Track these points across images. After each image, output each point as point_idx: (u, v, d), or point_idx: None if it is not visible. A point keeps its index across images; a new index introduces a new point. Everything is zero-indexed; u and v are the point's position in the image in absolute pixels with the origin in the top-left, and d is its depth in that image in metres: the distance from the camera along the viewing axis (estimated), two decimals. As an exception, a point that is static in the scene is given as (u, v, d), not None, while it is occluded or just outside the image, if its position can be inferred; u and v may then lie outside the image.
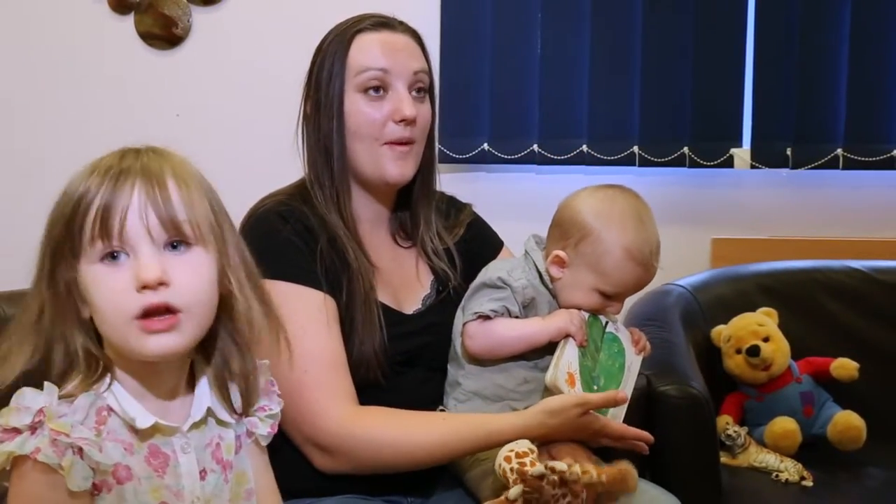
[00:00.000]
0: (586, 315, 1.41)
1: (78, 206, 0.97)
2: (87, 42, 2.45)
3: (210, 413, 1.07)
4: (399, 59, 1.42)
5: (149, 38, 2.43)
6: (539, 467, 1.20)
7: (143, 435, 1.01)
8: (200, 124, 2.43)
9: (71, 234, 0.98)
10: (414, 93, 1.44)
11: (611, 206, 1.40)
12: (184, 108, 2.46)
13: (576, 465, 1.21)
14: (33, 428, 0.95)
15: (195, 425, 1.06)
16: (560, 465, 1.20)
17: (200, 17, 2.44)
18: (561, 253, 1.41)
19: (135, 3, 2.42)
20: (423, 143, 1.48)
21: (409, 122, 1.42)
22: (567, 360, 1.35)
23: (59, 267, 0.99)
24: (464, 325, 1.41)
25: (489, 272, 1.43)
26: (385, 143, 1.42)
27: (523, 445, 1.27)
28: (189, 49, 2.45)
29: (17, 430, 0.95)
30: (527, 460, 1.23)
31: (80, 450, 0.95)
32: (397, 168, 1.43)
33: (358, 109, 1.42)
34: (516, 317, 1.40)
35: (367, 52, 1.42)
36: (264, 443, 1.15)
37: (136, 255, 0.97)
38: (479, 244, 1.60)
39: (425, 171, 1.51)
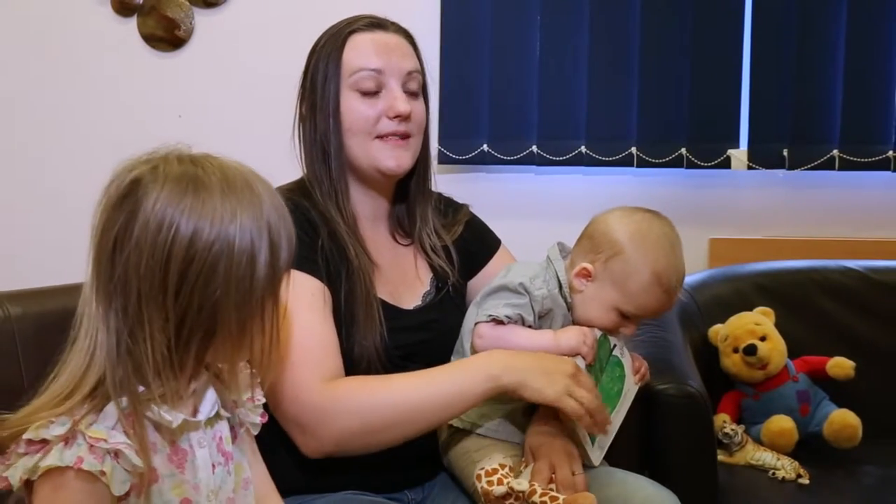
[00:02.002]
0: (598, 334, 1.41)
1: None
2: (91, 44, 2.46)
3: (217, 407, 1.09)
4: (392, 59, 1.44)
5: (152, 40, 2.45)
6: (502, 488, 1.26)
7: (171, 434, 1.03)
8: (202, 125, 2.44)
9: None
10: (407, 91, 1.45)
11: (648, 228, 1.41)
12: (186, 110, 2.47)
13: (539, 487, 1.27)
14: (66, 439, 0.95)
15: (208, 421, 1.07)
16: (521, 486, 1.26)
17: (203, 20, 2.46)
18: (589, 266, 1.41)
19: (138, 5, 2.44)
20: (420, 138, 1.49)
21: (403, 117, 1.43)
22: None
23: None
24: (476, 324, 1.40)
25: (511, 275, 1.43)
26: (377, 137, 1.43)
27: (494, 462, 1.31)
28: (191, 51, 2.46)
29: (45, 442, 0.95)
30: (494, 478, 1.28)
31: (117, 454, 0.96)
32: (393, 159, 1.44)
33: (353, 107, 1.43)
34: (530, 326, 1.40)
35: (360, 52, 1.44)
36: (255, 432, 1.17)
37: None
38: (477, 243, 1.61)
39: (421, 170, 1.52)
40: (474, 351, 1.42)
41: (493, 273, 1.54)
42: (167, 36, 2.45)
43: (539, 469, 1.32)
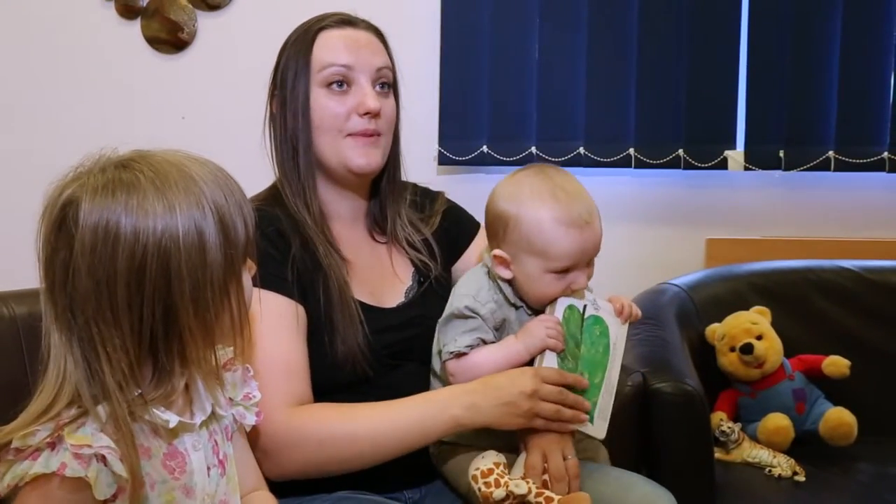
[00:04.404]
0: (560, 317, 1.35)
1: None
2: (95, 46, 2.48)
3: (213, 408, 1.09)
4: (362, 55, 1.43)
5: (155, 42, 2.47)
6: (501, 491, 1.24)
7: (167, 436, 1.02)
8: (205, 127, 2.46)
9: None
10: (378, 87, 1.44)
11: (519, 187, 1.36)
12: (189, 111, 2.48)
13: (533, 487, 1.25)
14: (52, 444, 0.93)
15: (205, 422, 1.08)
16: (520, 489, 1.24)
17: (206, 22, 2.48)
18: (498, 252, 1.36)
19: (142, 8, 2.45)
20: (390, 136, 1.48)
21: (373, 114, 1.42)
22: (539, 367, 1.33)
23: None
24: (443, 363, 1.37)
25: (455, 301, 1.38)
26: (348, 135, 1.42)
27: (489, 462, 1.28)
28: (195, 53, 2.48)
29: (32, 449, 0.93)
30: (491, 479, 1.25)
31: (104, 457, 0.94)
32: (363, 158, 1.42)
33: (322, 104, 1.42)
34: (492, 342, 1.36)
35: (330, 48, 1.42)
36: (248, 429, 1.18)
37: None
38: (457, 230, 1.59)
39: (392, 166, 1.51)
40: (448, 383, 1.39)
41: (472, 257, 1.54)
42: (170, 38, 2.46)
43: (532, 463, 1.30)
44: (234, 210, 1.01)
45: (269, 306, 1.33)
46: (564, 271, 1.34)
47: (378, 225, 1.53)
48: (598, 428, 1.36)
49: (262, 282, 1.31)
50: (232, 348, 1.15)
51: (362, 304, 1.41)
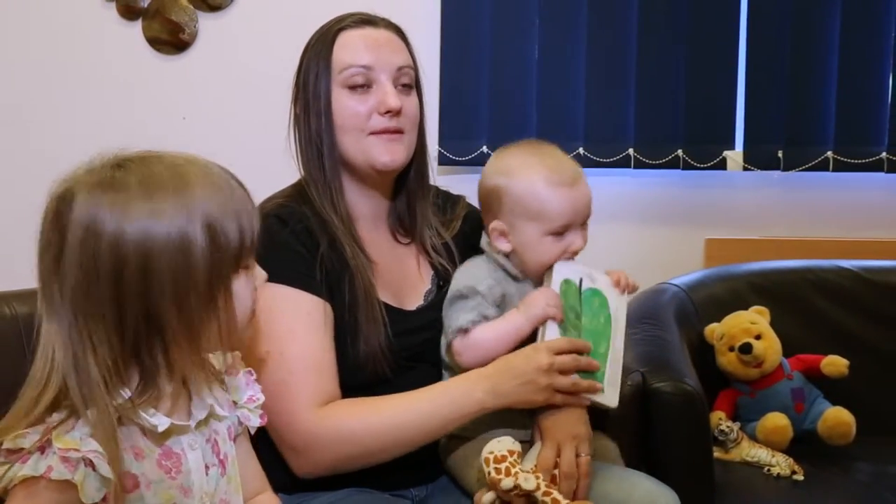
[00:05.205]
0: (559, 283, 1.37)
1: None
2: (96, 47, 2.49)
3: (211, 409, 1.09)
4: (382, 54, 1.43)
5: (156, 43, 2.47)
6: (509, 481, 1.24)
7: (159, 438, 1.03)
8: (206, 127, 2.46)
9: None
10: (399, 86, 1.45)
11: (506, 159, 1.42)
12: (190, 112, 2.49)
13: (542, 483, 1.25)
14: (41, 448, 0.94)
15: (201, 422, 1.08)
16: (528, 484, 1.24)
17: (207, 23, 2.48)
18: (495, 223, 1.40)
19: (143, 9, 2.46)
20: (414, 133, 1.47)
21: (394, 112, 1.42)
22: (549, 340, 1.34)
23: None
24: (449, 344, 1.39)
25: (456, 283, 1.42)
26: (371, 134, 1.42)
27: (503, 447, 1.28)
28: (196, 54, 2.49)
29: (23, 452, 0.94)
30: (502, 466, 1.25)
31: (92, 462, 0.94)
32: (387, 154, 1.42)
33: (344, 105, 1.42)
34: (494, 317, 1.38)
35: (350, 49, 1.42)
36: (253, 431, 1.18)
37: None
38: (477, 235, 1.57)
39: (419, 165, 1.51)
40: (460, 368, 1.40)
41: None
42: (171, 39, 2.47)
43: (545, 456, 1.31)
44: (228, 216, 1.01)
45: (295, 304, 1.35)
46: (561, 232, 1.38)
47: (402, 226, 1.53)
48: (610, 396, 1.37)
49: (288, 279, 1.34)
50: (234, 352, 1.16)
51: (386, 306, 1.42)
